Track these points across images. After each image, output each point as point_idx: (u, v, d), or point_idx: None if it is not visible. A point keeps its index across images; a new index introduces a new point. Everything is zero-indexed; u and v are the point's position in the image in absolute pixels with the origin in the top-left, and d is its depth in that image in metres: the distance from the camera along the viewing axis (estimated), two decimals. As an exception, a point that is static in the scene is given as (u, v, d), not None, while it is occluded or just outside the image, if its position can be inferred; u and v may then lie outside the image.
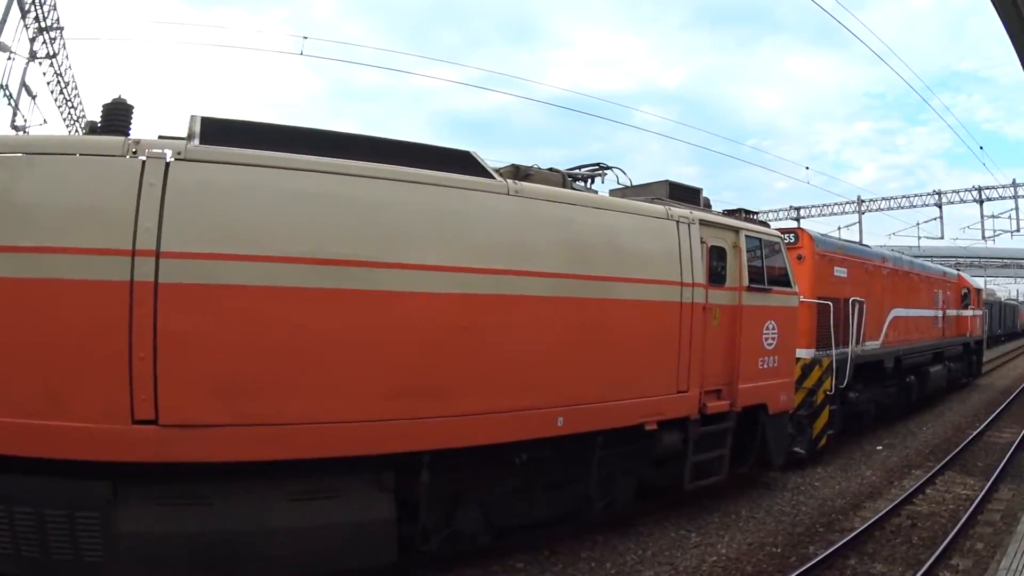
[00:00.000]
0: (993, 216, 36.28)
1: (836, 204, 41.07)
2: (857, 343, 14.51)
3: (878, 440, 16.24)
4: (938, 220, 36.48)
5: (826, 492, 11.91)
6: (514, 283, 7.36)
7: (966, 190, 36.28)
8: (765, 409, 10.69)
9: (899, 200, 38.98)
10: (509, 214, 7.44)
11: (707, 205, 10.90)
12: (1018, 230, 35.10)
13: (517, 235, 7.46)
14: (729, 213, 11.43)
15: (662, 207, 9.25)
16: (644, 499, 9.90)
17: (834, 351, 13.34)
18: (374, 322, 6.46)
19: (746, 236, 10.32)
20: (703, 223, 9.58)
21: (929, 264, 23.15)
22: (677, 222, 9.17)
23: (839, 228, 38.21)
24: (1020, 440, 15.75)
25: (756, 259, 10.51)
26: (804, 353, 13.38)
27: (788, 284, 11.29)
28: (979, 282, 35.96)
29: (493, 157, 8.49)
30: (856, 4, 20.95)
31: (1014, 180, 34.54)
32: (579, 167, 9.91)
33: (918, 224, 37.91)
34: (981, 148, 24.11)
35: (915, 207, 38.18)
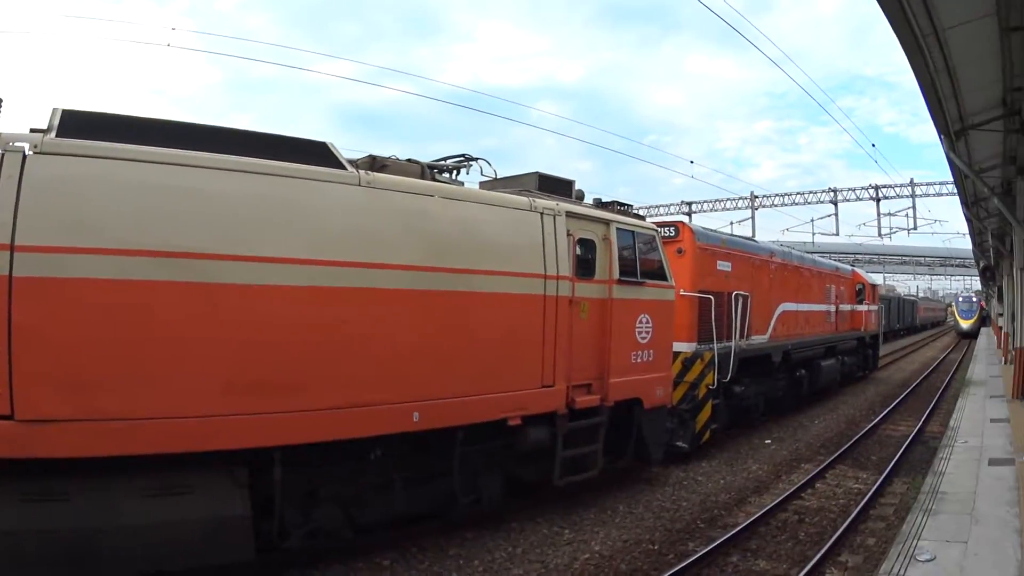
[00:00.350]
0: (890, 214, 37.42)
1: (729, 200, 41.85)
2: (742, 337, 14.56)
3: (768, 434, 16.40)
4: (833, 217, 37.26)
5: (710, 487, 11.88)
6: (367, 276, 7.27)
7: (863, 188, 37.42)
8: (641, 403, 10.69)
9: (793, 197, 39.89)
10: (361, 206, 7.34)
11: (580, 198, 10.82)
12: (915, 228, 36.29)
13: (370, 227, 7.36)
14: (602, 206, 11.31)
15: (526, 198, 9.13)
16: (519, 495, 9.78)
17: (716, 345, 13.32)
18: (221, 316, 6.42)
19: (618, 229, 10.24)
20: (571, 215, 9.49)
21: (822, 259, 23.67)
22: (542, 214, 9.07)
23: (731, 224, 38.86)
24: (916, 433, 16.15)
25: (629, 252, 10.45)
26: (685, 347, 13.45)
27: (664, 277, 11.27)
28: (877, 278, 36.95)
29: (390, 151, 8.59)
30: (762, 6, 21.54)
31: (911, 180, 35.97)
32: (444, 159, 9.68)
33: (812, 220, 38.74)
34: (873, 146, 25.22)
35: (810, 204, 39.20)
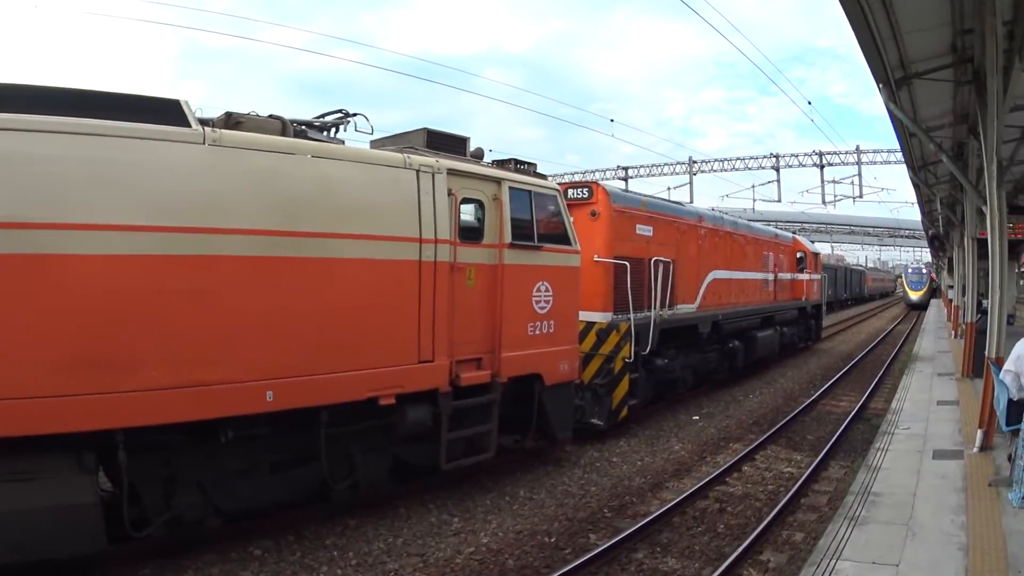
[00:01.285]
0: (835, 181, 37.06)
1: (667, 165, 41.13)
2: (664, 306, 13.84)
3: (697, 409, 15.87)
4: (776, 184, 36.88)
5: (624, 469, 11.24)
6: (210, 242, 6.75)
7: (806, 154, 37.01)
8: (541, 379, 10.11)
9: (734, 162, 39.37)
10: (207, 166, 6.84)
11: (479, 156, 10.22)
12: (860, 196, 36.02)
13: (216, 189, 6.86)
14: (499, 164, 10.60)
15: (399, 155, 8.48)
16: (418, 476, 9.43)
17: (632, 315, 12.61)
18: (39, 288, 6.02)
19: (511, 188, 9.65)
20: (453, 173, 8.89)
21: (759, 225, 23.19)
22: (418, 171, 8.43)
23: (668, 189, 38.28)
24: (858, 410, 15.61)
25: (524, 214, 9.86)
26: (600, 317, 12.83)
27: (567, 242, 10.62)
28: (823, 248, 36.68)
29: None
30: (712, -27, 20.67)
31: (857, 147, 35.61)
32: (323, 115, 9.06)
33: (753, 187, 38.33)
34: (810, 104, 24.50)
35: (751, 170, 38.73)
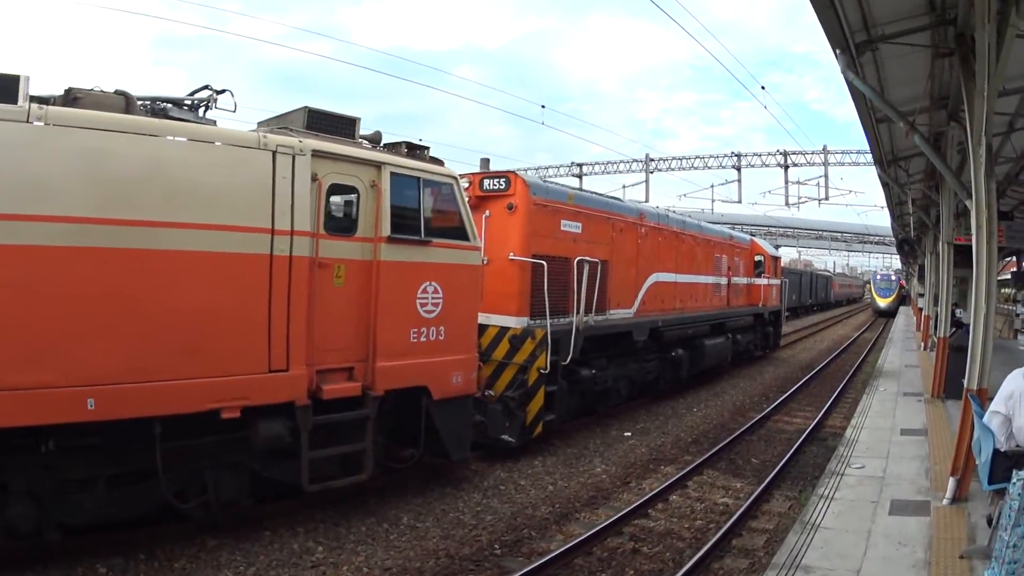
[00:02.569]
0: (799, 183, 36.30)
1: (623, 162, 40.18)
2: (591, 311, 12.79)
3: (632, 424, 14.94)
4: (737, 184, 36.04)
5: (532, 495, 10.23)
6: (24, 231, 6.23)
7: (770, 154, 36.19)
8: (428, 393, 9.22)
9: (693, 161, 38.46)
10: (28, 146, 6.36)
11: (375, 141, 9.49)
12: (826, 198, 35.25)
13: (36, 171, 6.36)
14: (389, 147, 9.63)
15: (252, 134, 7.74)
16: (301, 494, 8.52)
17: (548, 320, 11.62)
18: None
19: (393, 174, 8.82)
20: (321, 155, 8.11)
21: (711, 226, 22.28)
22: (274, 152, 7.65)
23: (623, 187, 37.35)
24: (813, 427, 14.62)
25: (410, 203, 9.06)
26: (514, 322, 11.91)
27: (463, 236, 9.71)
28: (790, 252, 35.98)
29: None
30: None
31: (824, 147, 34.80)
32: (193, 92, 8.49)
33: (712, 186, 37.48)
34: (763, 88, 23.25)
35: (711, 169, 37.84)
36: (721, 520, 9.23)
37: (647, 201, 30.64)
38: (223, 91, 8.35)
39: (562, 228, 12.91)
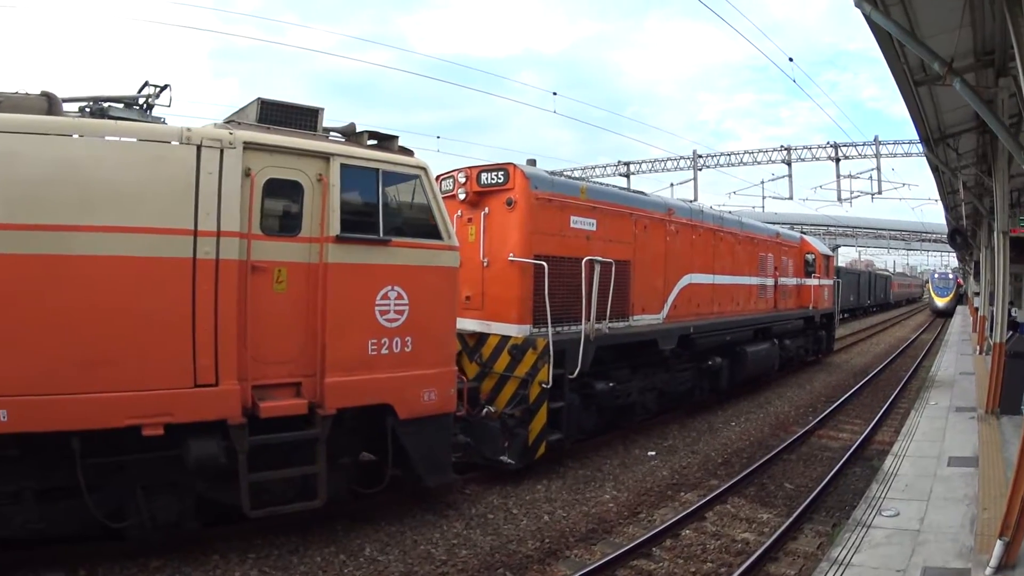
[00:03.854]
0: (851, 176, 34.23)
1: (670, 160, 38.49)
2: (604, 317, 11.43)
3: (660, 441, 13.52)
4: (787, 179, 34.10)
5: (523, 525, 9.01)
6: None
7: (820, 147, 34.15)
8: (394, 412, 8.24)
9: (741, 156, 36.55)
10: None
11: (349, 134, 8.69)
12: (879, 192, 33.11)
13: None
14: (353, 138, 8.74)
15: (175, 128, 7.17)
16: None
17: (550, 328, 10.32)
18: None
19: (345, 166, 8.00)
20: (255, 148, 7.44)
21: (754, 222, 20.62)
22: (200, 147, 7.07)
23: (671, 185, 35.66)
24: (859, 445, 12.99)
25: (367, 198, 8.23)
26: (516, 331, 10.75)
27: (434, 235, 8.67)
28: (850, 252, 34.10)
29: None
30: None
31: (876, 137, 32.66)
32: (140, 89, 8.05)
33: (763, 182, 35.59)
34: (791, 60, 21.27)
35: (760, 164, 35.90)
36: (735, 563, 7.86)
37: (695, 199, 28.96)
38: (165, 86, 7.85)
39: (572, 225, 11.62)
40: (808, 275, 23.35)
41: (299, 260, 7.55)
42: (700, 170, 36.63)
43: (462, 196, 11.45)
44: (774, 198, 36.47)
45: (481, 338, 11.08)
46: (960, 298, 64.93)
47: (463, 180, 11.42)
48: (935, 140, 15.46)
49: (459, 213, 11.65)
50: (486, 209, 11.19)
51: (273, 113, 8.06)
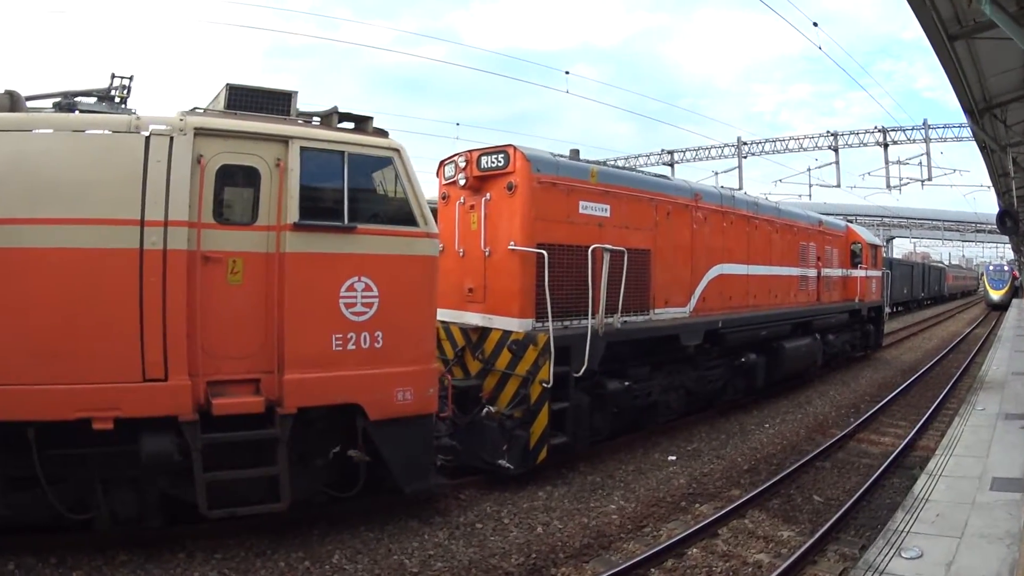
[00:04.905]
0: (899, 162, 32.66)
1: (714, 148, 37.21)
2: (617, 311, 10.78)
3: (684, 444, 12.72)
4: (835, 166, 32.64)
5: (511, 537, 8.35)
6: None
7: (867, 131, 32.58)
8: (364, 412, 7.76)
9: (787, 142, 35.15)
10: None
11: (328, 118, 8.28)
12: (929, 179, 31.52)
13: None
14: (323, 119, 8.36)
15: (124, 118, 7.08)
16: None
17: (551, 323, 9.61)
18: None
19: (305, 148, 7.63)
20: (206, 133, 7.19)
21: (794, 209, 19.54)
22: (149, 135, 6.95)
23: (715, 174, 34.38)
24: (900, 451, 11.92)
25: (331, 182, 7.82)
26: (516, 325, 10.09)
27: (410, 221, 8.12)
28: (905, 244, 32.81)
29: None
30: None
31: (925, 121, 31.04)
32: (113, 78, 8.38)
33: (809, 170, 34.17)
34: (815, 24, 19.75)
35: (806, 150, 34.53)
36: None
37: (740, 188, 27.82)
38: (130, 78, 8.11)
39: (581, 211, 10.87)
40: (855, 266, 22.32)
41: (256, 250, 7.24)
42: (745, 158, 35.37)
43: (462, 182, 10.80)
44: (821, 186, 35.11)
45: (484, 333, 10.44)
46: (1016, 291, 63.89)
47: (463, 164, 10.73)
48: (980, 111, 13.97)
49: (461, 200, 11.04)
50: (487, 195, 10.54)
51: (242, 98, 7.85)
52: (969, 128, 15.68)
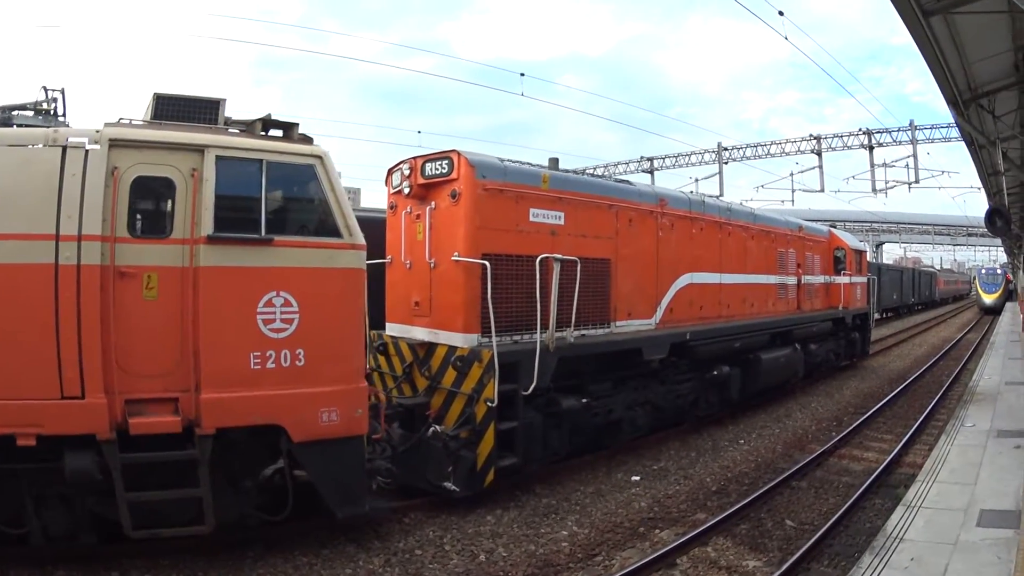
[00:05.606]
0: (885, 165, 32.48)
1: (694, 154, 37.28)
2: (569, 324, 10.55)
3: (650, 463, 12.45)
4: (818, 170, 32.45)
5: (450, 566, 8.08)
6: None
7: (851, 134, 32.53)
8: (287, 434, 7.68)
9: (768, 147, 35.04)
10: None
11: (252, 126, 8.22)
12: (916, 181, 31.31)
13: None
14: (245, 127, 8.26)
15: (42, 130, 7.20)
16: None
17: (495, 338, 9.50)
18: None
19: (221, 158, 7.48)
20: (121, 145, 7.16)
21: (771, 215, 19.55)
22: (65, 148, 6.95)
23: (695, 180, 34.25)
24: (885, 467, 11.66)
25: (248, 192, 7.66)
26: (460, 340, 9.94)
27: (333, 232, 7.98)
28: (895, 250, 32.70)
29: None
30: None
31: (911, 121, 30.94)
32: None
33: (792, 175, 33.98)
34: (781, 14, 19.10)
35: (788, 155, 34.46)
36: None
37: (721, 195, 27.58)
38: (62, 91, 8.35)
39: (532, 219, 10.73)
40: (838, 272, 22.33)
41: (171, 264, 7.19)
42: (727, 164, 35.37)
43: (407, 190, 10.65)
44: (804, 191, 34.98)
45: (430, 348, 10.33)
46: (1009, 294, 64.79)
47: (408, 172, 10.66)
48: (965, 102, 13.36)
49: (408, 209, 10.97)
50: (432, 204, 10.46)
51: (169, 108, 7.90)
52: (955, 124, 14.81)
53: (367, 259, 8.09)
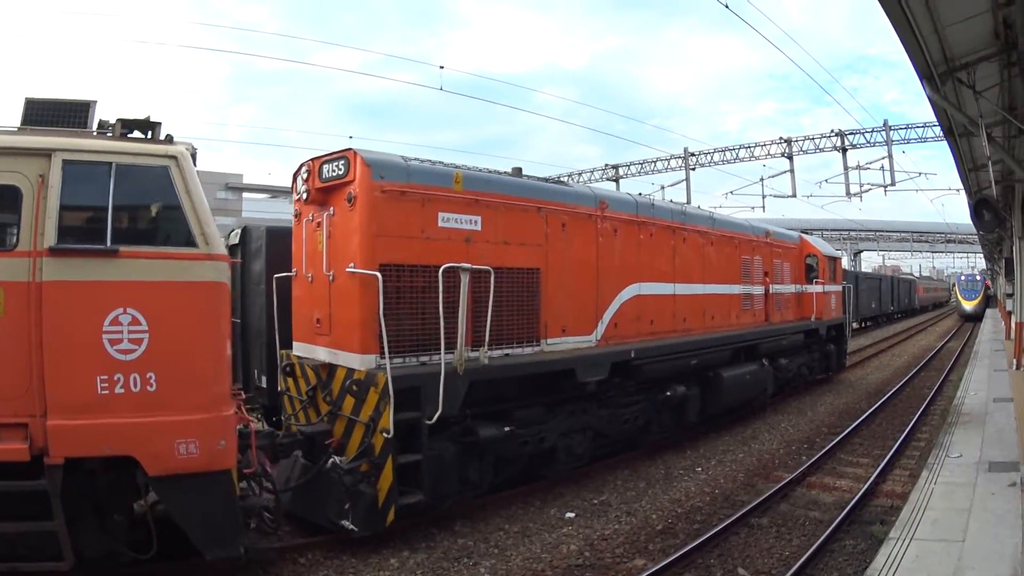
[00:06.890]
0: (859, 167, 32.11)
1: (660, 160, 37.25)
2: (484, 344, 10.07)
3: (594, 495, 11.67)
4: (789, 174, 32.09)
5: None
6: None
7: (824, 136, 32.27)
8: (141, 467, 7.32)
9: (736, 151, 34.76)
10: None
11: (112, 127, 7.74)
12: (892, 184, 30.94)
13: None
14: (101, 131, 7.84)
15: None
16: None
17: (388, 360, 8.88)
18: None
19: (69, 162, 7.13)
20: None
21: (733, 219, 19.28)
22: None
23: (662, 187, 33.93)
24: (865, 493, 11.11)
25: (96, 199, 7.27)
26: (357, 362, 9.46)
27: (188, 241, 7.50)
28: (874, 258, 32.44)
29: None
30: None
31: (886, 121, 30.62)
32: None
33: (762, 179, 33.60)
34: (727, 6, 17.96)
35: (758, 158, 34.34)
36: None
37: (688, 202, 27.00)
38: None
39: (441, 225, 10.18)
40: (810, 281, 22.21)
41: (17, 279, 6.88)
42: (694, 169, 35.08)
43: (305, 196, 9.97)
44: (775, 196, 34.67)
45: (331, 370, 9.90)
46: (988, 300, 66.36)
47: (306, 175, 9.97)
48: (941, 75, 11.75)
49: (310, 216, 10.32)
50: (331, 209, 9.86)
51: (39, 112, 7.86)
52: (930, 102, 13.21)
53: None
